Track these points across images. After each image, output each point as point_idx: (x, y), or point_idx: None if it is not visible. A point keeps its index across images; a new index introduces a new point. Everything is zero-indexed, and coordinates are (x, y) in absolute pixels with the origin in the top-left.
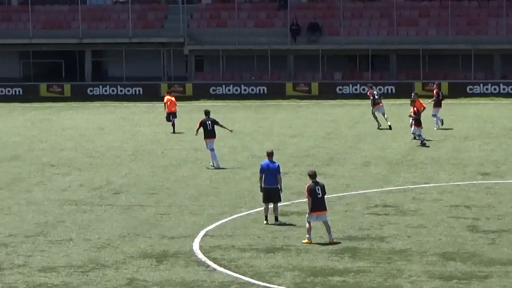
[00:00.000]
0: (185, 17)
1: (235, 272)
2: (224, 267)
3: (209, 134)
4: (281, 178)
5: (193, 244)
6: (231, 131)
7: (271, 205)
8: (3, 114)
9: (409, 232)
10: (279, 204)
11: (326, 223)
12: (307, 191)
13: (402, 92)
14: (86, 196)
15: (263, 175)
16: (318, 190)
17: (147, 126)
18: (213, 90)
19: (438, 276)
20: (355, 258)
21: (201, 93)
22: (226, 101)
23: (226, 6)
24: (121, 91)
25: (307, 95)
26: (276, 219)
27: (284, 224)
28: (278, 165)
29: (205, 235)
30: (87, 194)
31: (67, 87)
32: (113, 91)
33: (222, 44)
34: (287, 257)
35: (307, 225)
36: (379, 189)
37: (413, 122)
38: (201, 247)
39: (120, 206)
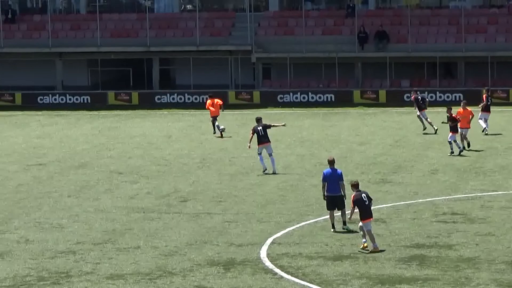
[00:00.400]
0: (252, 25)
1: (302, 280)
2: (292, 274)
3: (263, 139)
4: (344, 185)
5: (261, 251)
6: (284, 125)
7: (337, 213)
8: (71, 122)
9: (477, 240)
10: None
11: (369, 232)
12: (353, 201)
13: (470, 99)
14: (153, 204)
15: (326, 183)
16: (365, 198)
17: (214, 134)
18: (281, 98)
19: (506, 285)
20: (422, 266)
21: (268, 101)
22: (293, 109)
23: (294, 13)
24: (188, 99)
25: (375, 103)
26: (344, 223)
27: (351, 231)
28: (341, 172)
29: (272, 242)
30: (154, 201)
31: (135, 95)
32: (180, 99)
33: (289, 52)
34: (355, 265)
35: (362, 232)
36: (447, 197)
37: (450, 129)
38: (268, 255)
39: (188, 213)
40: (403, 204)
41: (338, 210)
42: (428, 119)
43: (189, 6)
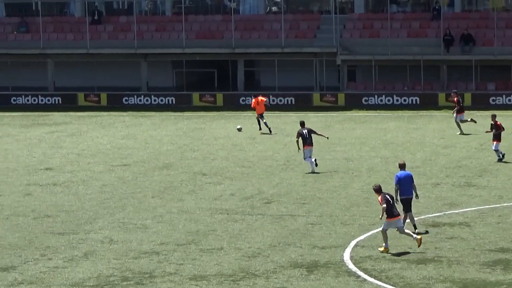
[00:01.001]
0: (337, 27)
1: (385, 283)
2: (375, 277)
3: (307, 141)
4: (415, 186)
5: (344, 254)
6: (327, 138)
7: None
8: (156, 123)
9: None
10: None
11: (403, 231)
12: (382, 202)
13: None
14: (237, 205)
15: (399, 186)
16: (389, 197)
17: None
18: (365, 100)
19: None
20: (507, 271)
21: (353, 103)
22: (378, 111)
23: (379, 16)
24: (273, 100)
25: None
26: (415, 227)
27: (426, 233)
28: (411, 174)
29: (356, 245)
30: (238, 203)
31: (219, 96)
32: None
33: (374, 54)
34: (438, 269)
35: (383, 234)
36: None
37: (494, 137)
38: (351, 257)
39: (271, 215)
40: (488, 208)
41: (407, 212)
42: (461, 119)
43: (274, 8)
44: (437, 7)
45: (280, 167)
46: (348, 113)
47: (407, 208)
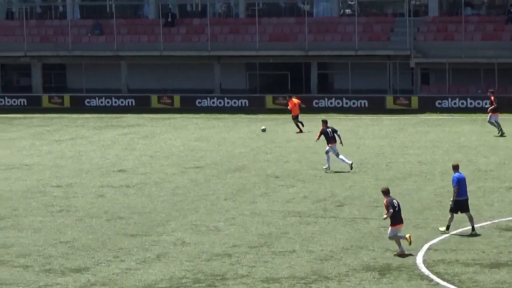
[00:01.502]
0: (411, 30)
1: (458, 287)
2: (448, 281)
3: (331, 139)
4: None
5: (417, 258)
6: (342, 144)
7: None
8: (229, 125)
9: None
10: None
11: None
12: (386, 205)
13: None
14: (309, 208)
15: (457, 188)
16: (395, 204)
17: (371, 138)
18: (439, 104)
19: None
20: None
21: (426, 106)
22: (451, 114)
23: (453, 19)
24: (346, 103)
25: None
26: (473, 228)
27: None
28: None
29: (428, 249)
30: (310, 206)
31: None
32: (338, 103)
33: (448, 57)
34: None
35: (396, 240)
36: None
37: None
38: (424, 261)
39: (344, 218)
40: None
41: (462, 212)
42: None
43: (348, 11)
44: (511, 10)
45: (352, 170)
46: (421, 116)
47: (465, 209)
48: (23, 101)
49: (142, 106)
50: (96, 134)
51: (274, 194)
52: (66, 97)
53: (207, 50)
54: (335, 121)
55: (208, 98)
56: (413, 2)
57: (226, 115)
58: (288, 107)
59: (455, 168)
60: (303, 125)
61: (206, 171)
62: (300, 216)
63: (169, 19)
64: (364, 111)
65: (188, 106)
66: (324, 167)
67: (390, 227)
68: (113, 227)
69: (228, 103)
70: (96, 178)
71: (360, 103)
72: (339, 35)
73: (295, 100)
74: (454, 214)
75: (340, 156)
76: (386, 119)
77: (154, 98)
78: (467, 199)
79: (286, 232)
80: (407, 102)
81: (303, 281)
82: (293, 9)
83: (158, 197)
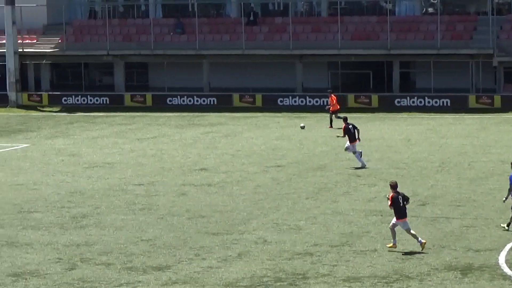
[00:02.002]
0: (494, 28)
1: None
2: None
3: (354, 137)
4: None
5: (499, 257)
6: (358, 140)
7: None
8: (311, 124)
9: None
10: None
11: (410, 232)
12: (390, 200)
13: None
14: None
15: None
16: (400, 199)
17: (454, 138)
18: None
19: None
20: None
21: (509, 105)
22: None
23: None
24: (428, 102)
25: None
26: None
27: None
28: None
29: (511, 248)
30: None
31: (374, 98)
32: (420, 102)
33: None
34: None
35: (392, 230)
36: None
37: None
38: (507, 261)
39: (426, 217)
40: None
41: None
42: None
43: (430, 9)
44: None
45: (435, 169)
46: (504, 115)
47: None
48: (106, 100)
49: (224, 105)
50: (178, 133)
51: (356, 193)
52: (148, 95)
53: (289, 49)
54: (417, 120)
55: (290, 97)
56: (496, 0)
57: (308, 114)
58: (330, 104)
59: None
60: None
61: (288, 170)
62: (381, 215)
63: (251, 18)
64: (446, 110)
65: (270, 105)
66: (358, 167)
67: (394, 218)
68: (194, 225)
69: (310, 102)
70: (177, 177)
71: (442, 102)
72: (421, 34)
73: (334, 96)
74: None
75: (357, 155)
76: (468, 118)
77: (236, 96)
78: None
79: (367, 231)
80: (490, 101)
81: (384, 280)
82: (375, 7)
83: (239, 196)
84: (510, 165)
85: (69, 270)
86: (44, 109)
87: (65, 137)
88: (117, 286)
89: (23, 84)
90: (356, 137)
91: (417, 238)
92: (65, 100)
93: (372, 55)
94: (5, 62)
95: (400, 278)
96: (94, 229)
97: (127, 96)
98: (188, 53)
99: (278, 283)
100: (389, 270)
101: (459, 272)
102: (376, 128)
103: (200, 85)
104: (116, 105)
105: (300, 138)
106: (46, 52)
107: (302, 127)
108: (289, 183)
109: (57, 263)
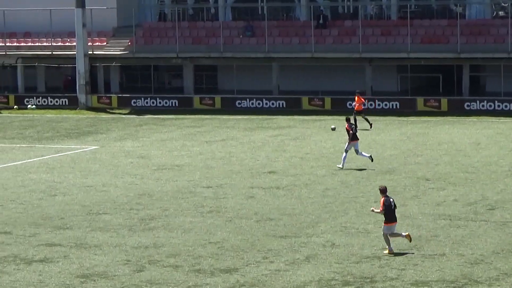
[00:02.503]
0: None
1: None
2: None
3: (355, 137)
4: None
5: None
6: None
7: None
8: (380, 128)
9: None
10: None
11: (394, 234)
12: (382, 204)
13: None
14: (460, 211)
15: None
16: (392, 203)
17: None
18: None
19: None
20: None
21: None
22: None
23: None
24: (498, 106)
25: None
26: None
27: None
28: None
29: None
30: (461, 209)
31: (444, 101)
32: (490, 106)
33: None
34: None
35: (386, 237)
36: None
37: None
38: None
39: (495, 222)
40: None
41: None
42: None
43: (501, 12)
44: None
45: (504, 173)
46: None
47: None
48: (175, 102)
49: (292, 108)
50: (246, 136)
51: (425, 197)
52: (217, 98)
53: (358, 52)
54: (487, 124)
55: None
56: None
57: (377, 117)
58: (356, 104)
59: None
60: (355, 123)
61: (356, 173)
62: (450, 219)
63: (321, 21)
64: None
65: (339, 108)
66: (339, 166)
67: (383, 224)
68: (262, 228)
69: (379, 105)
70: (246, 179)
71: None
72: (491, 37)
73: (360, 97)
74: None
75: (360, 152)
76: None
77: (304, 99)
78: None
79: (436, 235)
80: None
81: (452, 284)
82: (445, 11)
83: (308, 199)
84: None
85: (137, 272)
86: (114, 111)
87: (134, 139)
88: None
89: (92, 86)
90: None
91: (400, 234)
92: (134, 103)
93: (442, 58)
94: (75, 64)
95: (469, 283)
96: (162, 231)
97: (196, 98)
98: (257, 56)
99: (346, 287)
100: (457, 274)
101: None
102: (445, 132)
103: (269, 88)
104: (185, 107)
105: (369, 141)
106: (115, 54)
107: (333, 129)
108: (358, 186)
109: (125, 265)
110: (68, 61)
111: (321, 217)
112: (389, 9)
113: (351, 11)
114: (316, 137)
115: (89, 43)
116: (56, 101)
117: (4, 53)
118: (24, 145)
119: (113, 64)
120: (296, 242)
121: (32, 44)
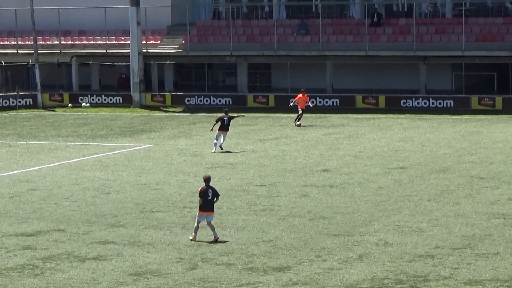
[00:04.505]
0: None
1: None
2: None
3: (224, 127)
4: None
5: None
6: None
7: None
8: (433, 126)
9: None
10: None
11: (210, 224)
12: (200, 192)
13: None
14: None
15: None
16: (210, 193)
17: None
18: None
19: None
20: None
21: None
22: None
23: None
24: None
25: None
26: None
27: None
28: None
29: None
30: None
31: (498, 100)
32: None
33: None
34: None
35: (196, 224)
36: None
37: None
38: None
39: None
40: None
41: None
42: None
43: None
44: None
45: None
46: None
47: None
48: (229, 101)
49: (346, 106)
50: (300, 134)
51: (478, 196)
52: (271, 96)
53: (412, 50)
54: None
55: (413, 99)
56: None
57: (431, 116)
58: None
59: None
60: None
61: (410, 171)
62: (504, 218)
63: (375, 19)
64: None
65: (393, 106)
66: (212, 151)
67: (198, 212)
68: (315, 226)
69: (433, 103)
70: (299, 178)
71: None
72: None
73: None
74: None
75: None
76: None
77: (358, 98)
78: None
79: (490, 234)
80: None
81: (506, 284)
82: (501, 8)
83: (361, 197)
84: None
85: (190, 270)
86: (167, 109)
87: (187, 137)
88: (238, 287)
89: (146, 84)
90: (227, 127)
91: (213, 230)
92: (188, 101)
93: (496, 57)
94: (130, 62)
95: None
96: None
97: (250, 97)
98: (311, 54)
99: (399, 285)
100: (511, 273)
101: None
102: (499, 130)
103: (323, 86)
104: (239, 105)
105: (423, 140)
106: (169, 52)
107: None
108: (411, 185)
109: (178, 263)
110: (122, 59)
111: (374, 216)
112: (444, 7)
113: (406, 9)
114: (370, 135)
115: (143, 41)
116: (110, 99)
117: (59, 51)
118: (78, 143)
119: (167, 62)
120: (349, 240)
121: (87, 43)
